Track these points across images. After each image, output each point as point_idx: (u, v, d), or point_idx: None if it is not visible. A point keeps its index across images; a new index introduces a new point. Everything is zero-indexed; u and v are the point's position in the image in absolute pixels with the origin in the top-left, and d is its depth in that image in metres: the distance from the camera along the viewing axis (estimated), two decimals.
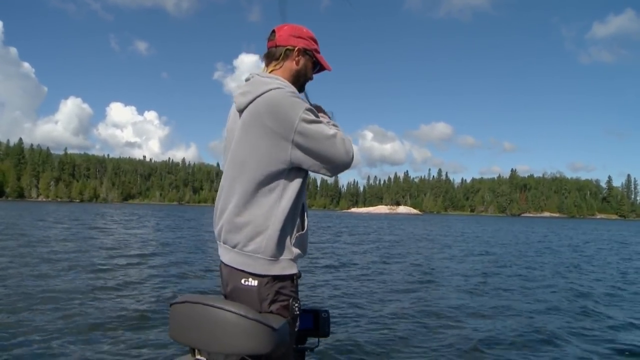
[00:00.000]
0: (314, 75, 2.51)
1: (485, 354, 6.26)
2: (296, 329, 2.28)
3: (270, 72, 2.38)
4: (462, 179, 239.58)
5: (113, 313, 7.53)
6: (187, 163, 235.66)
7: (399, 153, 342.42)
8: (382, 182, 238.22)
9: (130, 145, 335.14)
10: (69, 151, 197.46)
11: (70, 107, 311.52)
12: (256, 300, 2.17)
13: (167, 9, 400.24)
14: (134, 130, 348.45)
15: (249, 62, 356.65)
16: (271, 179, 2.19)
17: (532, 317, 8.36)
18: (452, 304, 9.25)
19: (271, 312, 2.16)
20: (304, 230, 2.31)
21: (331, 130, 2.20)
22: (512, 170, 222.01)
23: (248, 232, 2.19)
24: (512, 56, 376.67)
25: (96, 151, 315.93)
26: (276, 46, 2.38)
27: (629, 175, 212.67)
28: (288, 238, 2.22)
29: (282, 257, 2.20)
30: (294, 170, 2.22)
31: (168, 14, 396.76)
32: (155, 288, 9.75)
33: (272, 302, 2.18)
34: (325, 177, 1.87)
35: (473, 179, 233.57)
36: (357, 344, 6.30)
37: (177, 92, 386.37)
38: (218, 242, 2.35)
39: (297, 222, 2.27)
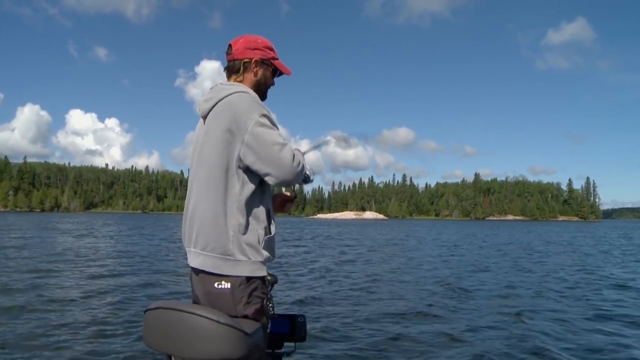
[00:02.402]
0: (276, 80, 2.69)
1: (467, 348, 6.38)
2: (268, 331, 2.40)
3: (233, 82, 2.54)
4: (427, 184, 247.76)
5: (84, 323, 7.35)
6: (150, 171, 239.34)
7: (362, 159, 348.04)
8: (347, 187, 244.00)
9: (91, 153, 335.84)
10: (28, 160, 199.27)
11: (28, 115, 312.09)
12: (230, 303, 2.25)
13: (126, 15, 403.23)
14: (95, 138, 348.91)
15: (210, 68, 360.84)
16: (231, 180, 2.30)
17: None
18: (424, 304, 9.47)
19: (246, 315, 2.26)
20: (272, 234, 2.42)
21: (281, 140, 2.30)
22: (475, 174, 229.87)
23: (215, 234, 2.28)
24: (471, 62, 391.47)
25: (56, 159, 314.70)
26: (234, 60, 2.53)
27: (588, 178, 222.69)
28: (257, 241, 2.32)
29: (252, 259, 2.29)
30: (254, 173, 2.33)
31: (128, 20, 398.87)
32: (128, 296, 9.67)
33: (247, 304, 2.27)
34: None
35: (437, 184, 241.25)
36: (334, 348, 6.31)
37: (139, 99, 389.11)
38: (187, 247, 2.43)
39: (265, 225, 2.37)
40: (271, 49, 2.61)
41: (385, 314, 8.40)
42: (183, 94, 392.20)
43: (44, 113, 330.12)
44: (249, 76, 2.55)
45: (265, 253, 2.37)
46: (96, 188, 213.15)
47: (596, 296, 10.82)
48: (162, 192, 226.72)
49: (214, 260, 2.29)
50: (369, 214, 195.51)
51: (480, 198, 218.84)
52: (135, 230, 41.04)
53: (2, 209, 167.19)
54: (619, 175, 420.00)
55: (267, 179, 2.33)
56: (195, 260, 2.35)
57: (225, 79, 2.62)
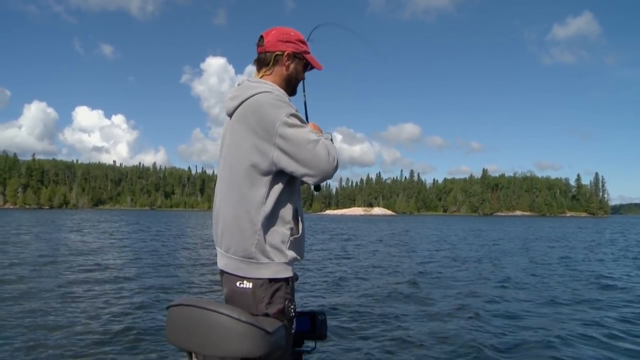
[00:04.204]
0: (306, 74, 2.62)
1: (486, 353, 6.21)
2: (292, 331, 2.36)
3: (261, 78, 2.47)
4: (434, 180, 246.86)
5: (108, 317, 7.60)
6: (158, 167, 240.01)
7: (369, 154, 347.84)
8: (354, 184, 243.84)
9: (98, 149, 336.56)
10: (36, 157, 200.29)
11: (35, 112, 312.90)
12: (252, 302, 2.24)
13: (131, 12, 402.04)
14: (102, 135, 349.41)
15: (216, 65, 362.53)
16: (258, 181, 2.25)
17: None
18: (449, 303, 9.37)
19: (267, 314, 2.23)
20: (299, 234, 2.38)
21: (313, 136, 2.23)
22: (483, 170, 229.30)
23: (238, 236, 2.26)
24: (476, 57, 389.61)
25: (63, 156, 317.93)
26: (265, 52, 2.46)
27: (596, 174, 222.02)
28: (282, 241, 2.28)
29: (276, 260, 2.26)
30: (283, 174, 2.28)
31: (133, 17, 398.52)
32: (151, 292, 9.77)
33: (268, 304, 2.25)
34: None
35: (445, 179, 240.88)
36: (354, 346, 6.28)
37: (145, 95, 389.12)
38: (216, 246, 2.44)
39: (292, 226, 2.33)
40: (304, 42, 2.55)
41: (403, 313, 8.43)
42: (189, 91, 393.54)
43: (50, 110, 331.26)
44: (280, 70, 2.49)
45: (291, 254, 2.32)
46: (104, 185, 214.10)
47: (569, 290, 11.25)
48: (170, 189, 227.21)
49: (236, 262, 2.28)
50: (377, 210, 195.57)
51: (488, 194, 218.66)
52: (153, 227, 41.13)
53: (11, 206, 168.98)
54: (626, 170, 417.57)
55: (305, 179, 2.27)
56: (221, 261, 2.37)
57: (254, 74, 2.57)
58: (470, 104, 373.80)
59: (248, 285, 2.27)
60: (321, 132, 2.54)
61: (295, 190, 2.40)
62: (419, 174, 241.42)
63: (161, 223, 52.38)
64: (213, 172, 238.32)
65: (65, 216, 72.64)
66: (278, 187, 2.30)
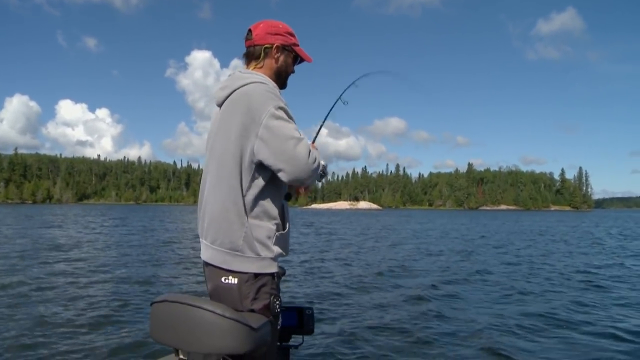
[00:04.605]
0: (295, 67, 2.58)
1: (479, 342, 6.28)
2: (278, 327, 2.35)
3: (252, 71, 2.44)
4: (420, 174, 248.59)
5: (92, 313, 7.45)
6: (142, 162, 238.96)
7: (354, 149, 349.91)
8: (339, 177, 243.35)
9: (82, 144, 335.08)
10: (18, 151, 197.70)
11: (16, 105, 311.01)
12: (237, 298, 2.22)
13: (115, 5, 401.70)
14: (86, 129, 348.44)
15: (201, 58, 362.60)
16: (245, 173, 2.22)
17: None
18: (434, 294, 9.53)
19: (252, 310, 2.21)
20: (285, 230, 2.36)
21: (297, 134, 2.20)
22: (469, 164, 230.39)
23: (226, 228, 2.23)
24: (462, 52, 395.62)
25: (46, 150, 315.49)
26: (254, 45, 2.43)
27: (580, 168, 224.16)
28: (267, 237, 2.25)
29: (262, 255, 2.23)
30: (269, 169, 2.24)
31: (117, 10, 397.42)
32: (135, 288, 9.62)
33: (254, 300, 2.22)
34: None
35: (431, 174, 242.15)
36: (341, 340, 6.22)
37: (129, 89, 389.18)
38: (200, 238, 2.40)
39: (278, 222, 2.30)
40: (292, 35, 2.52)
41: (386, 303, 8.61)
42: (174, 85, 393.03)
43: (33, 104, 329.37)
44: (270, 62, 2.46)
45: (277, 249, 2.30)
46: (88, 179, 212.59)
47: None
48: (155, 183, 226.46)
49: (222, 254, 2.25)
50: (363, 204, 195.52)
51: (474, 188, 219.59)
52: (138, 222, 40.64)
53: None
54: (608, 165, 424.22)
55: (279, 175, 2.22)
56: (206, 253, 2.33)
57: (244, 68, 2.52)
58: (455, 98, 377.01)
59: (233, 280, 2.24)
60: (316, 149, 2.51)
61: (281, 186, 2.38)
62: (404, 168, 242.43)
63: (146, 218, 51.94)
64: (198, 166, 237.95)
65: (49, 211, 71.99)
66: (265, 182, 2.27)
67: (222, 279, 2.26)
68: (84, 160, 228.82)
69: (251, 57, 2.48)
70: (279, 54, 2.46)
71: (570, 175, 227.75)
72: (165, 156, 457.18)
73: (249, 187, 2.25)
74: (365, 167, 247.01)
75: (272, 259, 2.29)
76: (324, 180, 2.53)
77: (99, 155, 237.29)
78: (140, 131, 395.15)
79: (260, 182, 2.26)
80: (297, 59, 2.58)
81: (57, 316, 7.24)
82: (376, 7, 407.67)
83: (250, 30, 2.47)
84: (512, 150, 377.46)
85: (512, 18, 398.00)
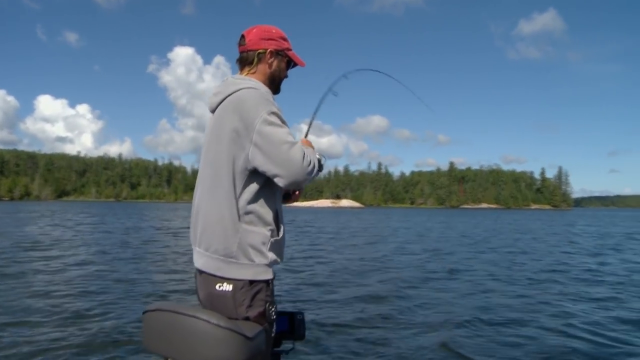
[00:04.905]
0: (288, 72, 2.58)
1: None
2: (273, 334, 2.33)
3: (245, 76, 2.44)
4: (401, 172, 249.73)
5: (72, 318, 6.94)
6: (123, 158, 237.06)
7: (336, 147, 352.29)
8: (321, 175, 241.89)
9: (62, 140, 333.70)
10: None
11: None
12: (231, 306, 2.18)
13: (97, 0, 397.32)
14: (65, 125, 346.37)
15: (183, 55, 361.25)
16: (239, 179, 2.21)
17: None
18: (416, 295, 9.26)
19: (247, 318, 2.19)
20: (280, 237, 2.34)
21: (290, 138, 2.18)
22: (450, 163, 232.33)
23: (219, 236, 2.21)
24: (444, 51, 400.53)
25: (24, 146, 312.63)
26: (247, 51, 2.43)
27: (560, 168, 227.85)
28: (262, 243, 2.23)
29: (256, 262, 2.21)
30: (263, 175, 2.23)
31: (98, 4, 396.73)
32: (123, 289, 9.05)
33: (248, 307, 2.19)
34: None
35: (412, 172, 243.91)
36: (333, 345, 6.07)
37: (110, 85, 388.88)
38: (193, 246, 2.37)
39: (272, 228, 2.28)
40: (285, 40, 2.52)
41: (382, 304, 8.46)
42: (155, 81, 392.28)
43: (10, 98, 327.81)
44: (263, 68, 2.46)
45: (272, 255, 2.28)
46: (68, 176, 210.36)
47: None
48: (136, 180, 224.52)
49: (216, 262, 2.22)
50: (345, 202, 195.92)
51: (455, 186, 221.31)
52: (119, 219, 39.61)
53: None
54: (587, 164, 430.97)
55: (276, 180, 2.20)
56: (199, 260, 2.31)
57: (238, 73, 2.52)
58: (437, 97, 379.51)
59: (228, 287, 2.21)
60: (313, 148, 2.52)
61: (276, 192, 2.36)
62: (386, 166, 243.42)
63: (127, 215, 51.40)
64: (180, 163, 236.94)
65: (27, 207, 70.96)
66: (259, 187, 2.26)
67: (217, 286, 2.23)
68: (64, 157, 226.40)
69: (245, 62, 2.47)
70: (273, 59, 2.46)
71: (550, 174, 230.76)
72: (146, 153, 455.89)
73: (243, 193, 2.23)
74: (347, 165, 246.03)
75: (267, 265, 2.26)
76: (320, 174, 2.48)
77: (79, 152, 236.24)
78: (121, 127, 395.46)
79: (254, 188, 2.25)
80: (291, 63, 2.57)
81: (27, 324, 6.69)
82: (359, 5, 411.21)
83: (243, 36, 2.46)
84: (493, 149, 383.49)
85: (494, 18, 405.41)
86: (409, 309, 8.08)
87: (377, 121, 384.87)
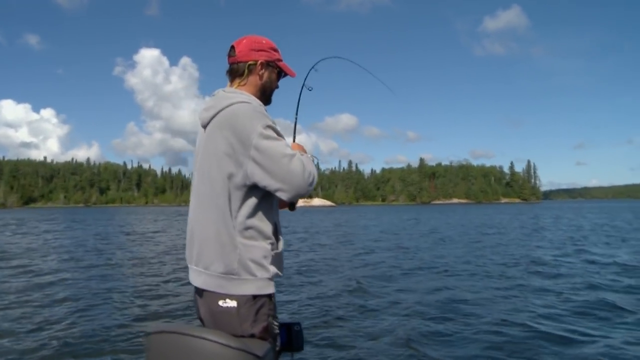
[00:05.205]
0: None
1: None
2: (277, 348, 2.32)
3: (235, 89, 2.40)
4: (372, 169, 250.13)
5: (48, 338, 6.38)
6: (91, 163, 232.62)
7: (306, 146, 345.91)
8: None
9: (27, 145, 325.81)
10: None
11: None
12: (236, 322, 2.16)
13: (58, 1, 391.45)
14: (30, 130, 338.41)
15: (149, 56, 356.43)
16: (236, 195, 2.18)
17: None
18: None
19: (252, 334, 2.17)
20: (280, 250, 2.33)
21: (289, 150, 2.16)
22: (420, 159, 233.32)
23: (218, 253, 2.18)
24: (411, 48, 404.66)
25: None
26: (238, 62, 2.40)
27: (529, 161, 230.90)
28: (263, 257, 2.21)
29: (259, 276, 2.19)
30: (260, 188, 2.20)
31: (60, 5, 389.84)
32: (117, 311, 8.12)
33: (253, 322, 2.18)
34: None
35: (383, 169, 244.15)
36: (331, 357, 5.86)
37: (75, 88, 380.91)
38: (189, 264, 2.34)
39: (272, 241, 2.26)
40: (276, 50, 2.50)
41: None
42: (122, 83, 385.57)
43: None
44: (254, 79, 2.44)
45: (273, 269, 2.27)
46: (34, 182, 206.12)
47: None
48: (105, 185, 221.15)
49: (217, 279, 2.20)
50: (317, 201, 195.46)
51: (426, 182, 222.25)
52: (89, 225, 39.59)
53: None
54: (554, 157, 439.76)
55: (278, 194, 2.18)
56: (198, 279, 2.28)
57: (227, 85, 2.51)
58: (406, 94, 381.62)
59: (232, 303, 2.18)
60: (305, 152, 2.52)
61: (273, 204, 2.35)
62: (356, 164, 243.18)
63: (98, 220, 50.83)
64: (149, 166, 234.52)
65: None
66: (257, 201, 2.23)
67: (220, 303, 2.20)
68: (30, 163, 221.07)
69: (235, 74, 2.44)
70: (263, 70, 2.44)
71: (519, 168, 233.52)
72: (115, 157, 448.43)
73: (241, 208, 2.20)
74: (317, 163, 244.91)
75: (269, 279, 2.25)
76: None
77: (45, 157, 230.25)
78: (88, 131, 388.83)
79: (252, 202, 2.22)
80: (281, 74, 2.55)
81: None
82: (325, 4, 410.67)
83: (233, 47, 2.43)
84: (461, 145, 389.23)
85: (459, 15, 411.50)
86: (370, 307, 8.20)
87: (346, 119, 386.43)
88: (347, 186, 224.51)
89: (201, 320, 2.35)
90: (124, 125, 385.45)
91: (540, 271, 12.07)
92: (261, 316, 2.22)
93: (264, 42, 2.46)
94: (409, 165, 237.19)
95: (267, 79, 2.47)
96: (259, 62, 2.42)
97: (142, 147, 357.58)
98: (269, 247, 2.26)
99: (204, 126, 2.34)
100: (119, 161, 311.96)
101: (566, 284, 10.18)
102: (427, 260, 14.68)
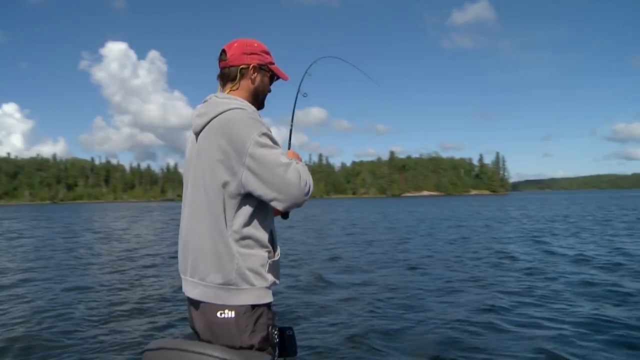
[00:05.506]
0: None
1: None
2: (276, 358, 2.27)
3: (228, 94, 2.34)
4: (342, 163, 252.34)
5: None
6: (58, 158, 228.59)
7: (276, 139, 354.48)
8: None
9: None
10: None
11: None
12: (235, 333, 2.12)
13: None
14: None
15: (116, 50, 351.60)
16: (232, 203, 2.14)
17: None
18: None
19: (252, 345, 2.13)
20: (277, 258, 2.29)
21: (285, 159, 2.11)
22: (390, 152, 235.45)
23: (215, 263, 2.13)
24: (380, 41, 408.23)
25: None
26: (229, 66, 2.34)
27: (497, 153, 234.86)
28: (261, 265, 2.18)
29: (257, 285, 2.16)
30: (256, 198, 2.15)
31: None
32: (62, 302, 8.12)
33: (252, 332, 2.14)
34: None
35: (353, 162, 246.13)
36: None
37: (40, 82, 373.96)
38: (183, 275, 2.29)
39: (269, 249, 2.23)
40: (268, 53, 2.45)
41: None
42: (88, 77, 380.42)
43: None
44: (246, 84, 2.38)
45: (271, 277, 2.23)
46: None
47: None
48: (72, 181, 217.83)
49: (215, 290, 2.15)
50: None
51: (396, 175, 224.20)
52: (56, 222, 39.15)
53: None
54: (522, 149, 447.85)
55: (273, 204, 2.15)
56: (194, 290, 2.22)
57: (219, 89, 2.45)
58: (375, 87, 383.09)
59: (230, 314, 2.14)
60: (300, 160, 2.44)
61: (269, 212, 2.29)
62: (327, 157, 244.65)
63: (65, 217, 50.08)
64: (118, 161, 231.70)
65: None
66: (253, 210, 2.19)
67: (218, 314, 2.15)
68: None
69: (227, 78, 2.38)
70: (256, 74, 2.38)
71: (488, 160, 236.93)
72: (82, 152, 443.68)
73: (236, 217, 2.16)
74: None
75: (267, 288, 2.21)
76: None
77: (8, 154, 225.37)
78: (54, 127, 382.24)
79: (247, 211, 2.17)
80: (274, 77, 2.50)
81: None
82: None
83: (224, 51, 2.37)
84: (431, 137, 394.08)
85: (428, 8, 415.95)
86: (319, 304, 8.21)
87: (316, 112, 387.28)
88: (317, 179, 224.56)
89: (195, 331, 2.31)
90: (91, 120, 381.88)
91: (498, 263, 12.42)
92: (260, 326, 2.19)
93: (255, 45, 2.41)
94: (379, 159, 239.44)
95: (259, 82, 2.41)
96: (251, 65, 2.36)
97: (110, 142, 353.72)
98: (266, 255, 2.22)
99: (197, 133, 2.27)
100: (87, 157, 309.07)
101: (523, 276, 10.51)
102: (389, 254, 14.87)
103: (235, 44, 2.39)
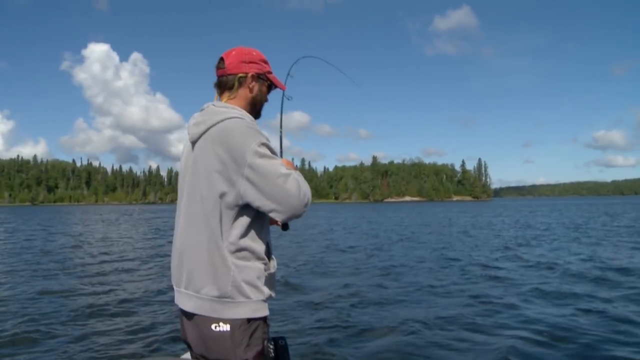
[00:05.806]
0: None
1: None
2: None
3: (225, 102, 2.30)
4: (325, 167, 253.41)
5: None
6: (39, 160, 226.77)
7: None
8: None
9: None
10: None
11: None
12: (230, 347, 2.07)
13: None
14: None
15: (98, 51, 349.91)
16: (228, 214, 2.09)
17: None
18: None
19: (247, 359, 2.08)
20: (273, 270, 2.25)
21: (284, 170, 2.06)
22: (373, 157, 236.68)
23: (211, 275, 2.08)
24: (363, 46, 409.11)
25: None
26: (227, 75, 2.30)
27: (480, 160, 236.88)
28: (257, 277, 2.13)
29: (253, 298, 2.11)
30: (253, 209, 2.11)
31: None
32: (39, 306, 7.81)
33: (247, 346, 2.09)
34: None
35: (336, 167, 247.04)
36: None
37: (20, 83, 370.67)
38: (176, 287, 2.24)
39: (265, 261, 2.19)
40: (266, 62, 2.41)
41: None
42: (70, 79, 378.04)
43: None
44: (244, 92, 2.33)
45: (267, 290, 2.19)
46: None
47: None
48: (53, 183, 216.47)
49: (210, 303, 2.10)
50: None
51: (379, 180, 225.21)
52: (34, 226, 38.38)
53: None
54: (503, 155, 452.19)
55: (272, 215, 2.10)
56: (188, 303, 2.17)
57: (215, 97, 2.40)
58: (358, 92, 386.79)
59: (225, 327, 2.09)
60: (295, 168, 2.37)
61: (265, 223, 2.25)
62: (309, 162, 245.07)
63: (45, 220, 49.49)
64: (99, 164, 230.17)
65: None
66: (250, 221, 2.14)
67: (213, 327, 2.10)
68: None
69: (224, 87, 2.33)
70: (254, 83, 2.34)
71: (470, 166, 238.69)
72: (63, 154, 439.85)
73: (232, 229, 2.10)
74: None
75: (263, 301, 2.17)
76: None
77: None
78: (35, 128, 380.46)
79: (244, 222, 2.12)
80: (271, 87, 2.47)
81: None
82: (280, 3, 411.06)
83: (222, 59, 2.33)
84: (414, 143, 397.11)
85: (410, 14, 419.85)
86: (286, 310, 8.12)
87: (298, 117, 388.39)
88: None
89: (187, 344, 2.26)
90: (73, 122, 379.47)
91: (470, 270, 12.49)
92: (255, 340, 2.13)
93: (254, 53, 2.36)
94: (361, 164, 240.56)
95: (257, 92, 2.36)
96: (250, 74, 2.32)
97: (91, 144, 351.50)
98: (262, 267, 2.17)
99: (193, 142, 2.22)
100: (68, 158, 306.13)
101: (493, 282, 10.64)
102: (362, 260, 14.87)
103: (234, 52, 2.34)
